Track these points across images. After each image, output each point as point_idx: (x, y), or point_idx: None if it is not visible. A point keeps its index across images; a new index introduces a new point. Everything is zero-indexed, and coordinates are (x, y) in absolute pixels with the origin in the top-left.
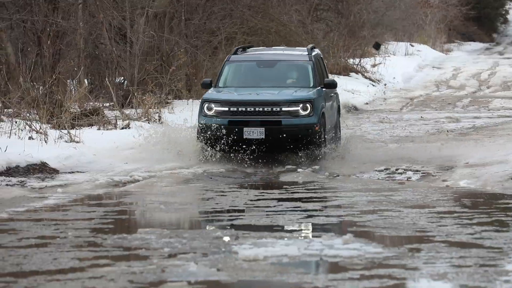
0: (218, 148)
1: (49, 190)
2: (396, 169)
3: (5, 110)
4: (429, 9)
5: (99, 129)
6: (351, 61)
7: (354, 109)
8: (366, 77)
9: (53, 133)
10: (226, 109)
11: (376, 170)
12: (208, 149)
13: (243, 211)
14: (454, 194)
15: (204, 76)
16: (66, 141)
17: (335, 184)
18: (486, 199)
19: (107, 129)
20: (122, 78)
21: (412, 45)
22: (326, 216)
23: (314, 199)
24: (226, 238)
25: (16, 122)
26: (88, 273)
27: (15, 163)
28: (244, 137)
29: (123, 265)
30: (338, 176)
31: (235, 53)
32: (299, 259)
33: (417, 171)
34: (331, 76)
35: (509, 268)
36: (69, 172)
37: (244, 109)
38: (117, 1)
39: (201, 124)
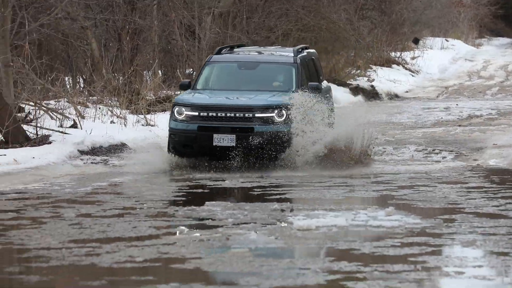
0: (187, 155)
1: (128, 167)
2: (433, 150)
3: (90, 97)
4: (462, 8)
5: None
6: (393, 54)
7: (395, 97)
8: (406, 68)
9: (131, 118)
10: (196, 114)
11: (416, 150)
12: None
13: (297, 186)
14: (483, 171)
15: None
16: (142, 125)
17: (381, 163)
18: None
19: None
20: (191, 69)
21: (447, 40)
22: (369, 191)
23: (362, 176)
24: (283, 210)
25: (99, 108)
26: (162, 240)
27: (98, 144)
28: (214, 144)
29: (192, 234)
30: (382, 155)
31: (218, 52)
32: (347, 229)
33: (451, 151)
34: (374, 68)
35: None
36: (145, 152)
37: (214, 114)
38: (187, 2)
39: (171, 128)
